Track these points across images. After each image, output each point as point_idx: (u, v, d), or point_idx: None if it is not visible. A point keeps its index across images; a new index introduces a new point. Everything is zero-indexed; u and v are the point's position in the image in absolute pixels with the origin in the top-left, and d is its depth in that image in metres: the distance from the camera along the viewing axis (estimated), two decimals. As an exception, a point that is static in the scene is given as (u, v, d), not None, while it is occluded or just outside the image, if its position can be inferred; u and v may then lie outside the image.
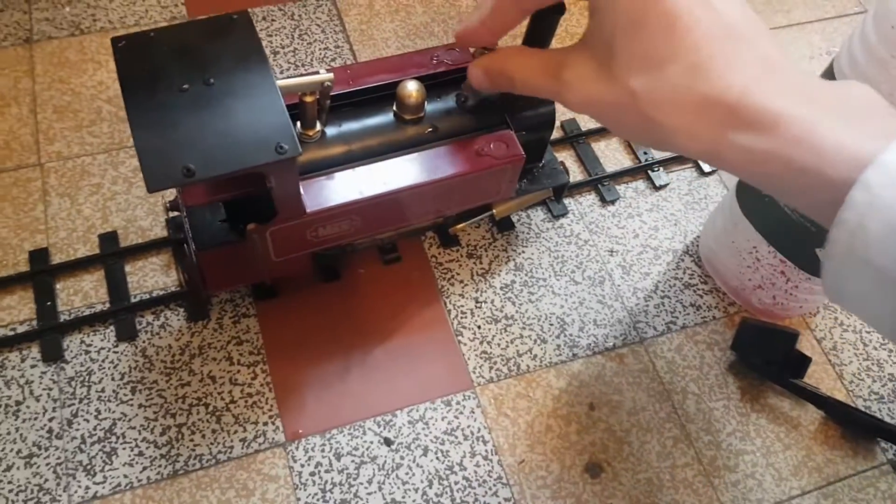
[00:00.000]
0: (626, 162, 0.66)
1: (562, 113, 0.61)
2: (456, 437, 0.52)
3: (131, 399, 0.51)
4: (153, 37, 0.42)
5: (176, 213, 0.56)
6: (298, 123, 0.47)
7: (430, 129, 0.50)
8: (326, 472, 0.50)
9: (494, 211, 0.57)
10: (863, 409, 0.57)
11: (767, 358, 0.56)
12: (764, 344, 0.56)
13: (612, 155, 0.66)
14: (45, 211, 0.57)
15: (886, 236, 0.24)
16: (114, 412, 0.50)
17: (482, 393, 0.54)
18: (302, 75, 0.44)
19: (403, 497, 0.49)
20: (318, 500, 0.49)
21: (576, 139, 0.66)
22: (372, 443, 0.51)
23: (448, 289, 0.58)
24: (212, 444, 0.50)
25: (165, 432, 0.50)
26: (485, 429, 0.52)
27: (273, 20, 0.69)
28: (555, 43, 0.46)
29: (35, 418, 0.49)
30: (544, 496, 0.50)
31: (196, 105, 0.40)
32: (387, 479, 0.50)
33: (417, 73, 0.51)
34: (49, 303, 0.53)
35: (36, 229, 0.57)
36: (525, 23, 0.43)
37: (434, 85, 0.51)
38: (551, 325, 0.57)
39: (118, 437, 0.49)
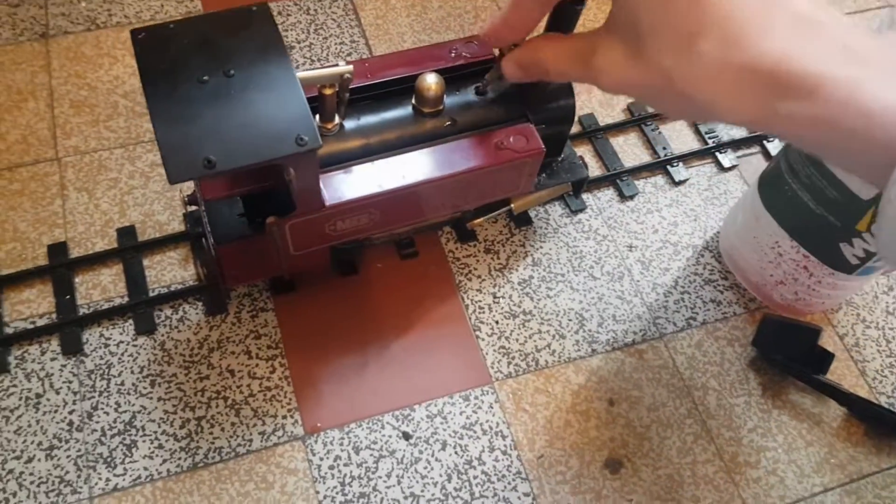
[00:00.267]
0: (644, 157, 0.66)
1: (580, 107, 0.60)
2: (474, 432, 0.51)
3: (150, 392, 0.51)
4: (173, 29, 0.42)
5: (194, 208, 0.56)
6: (317, 116, 0.47)
7: (448, 123, 0.50)
8: (345, 465, 0.49)
9: (513, 206, 0.57)
10: (886, 405, 0.56)
11: (789, 354, 0.55)
12: (786, 340, 0.55)
13: (630, 150, 0.66)
14: (63, 205, 0.58)
15: None
16: (133, 405, 0.50)
17: (500, 388, 0.53)
18: (321, 67, 0.44)
19: (422, 491, 0.49)
20: (337, 493, 0.48)
21: (594, 134, 0.66)
22: (390, 437, 0.51)
23: (465, 284, 0.57)
24: (231, 437, 0.49)
25: (185, 425, 0.50)
26: (503, 424, 0.52)
27: (289, 15, 0.69)
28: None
29: (55, 411, 0.49)
30: (564, 491, 0.50)
31: (216, 97, 0.40)
32: (405, 472, 0.50)
33: (436, 66, 0.51)
34: (68, 296, 0.53)
35: (54, 223, 0.57)
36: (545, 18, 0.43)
37: (453, 78, 0.51)
38: (570, 320, 0.57)
39: (138, 430, 0.49)
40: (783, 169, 0.52)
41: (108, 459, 0.48)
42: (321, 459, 0.49)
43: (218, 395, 0.51)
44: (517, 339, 0.55)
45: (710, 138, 0.67)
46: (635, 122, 0.67)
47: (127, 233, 0.56)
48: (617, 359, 0.55)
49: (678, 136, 0.67)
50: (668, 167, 0.65)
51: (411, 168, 0.48)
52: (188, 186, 0.56)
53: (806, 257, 0.53)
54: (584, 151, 0.65)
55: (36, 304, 0.53)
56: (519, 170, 0.51)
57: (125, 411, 0.50)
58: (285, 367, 0.52)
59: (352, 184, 0.47)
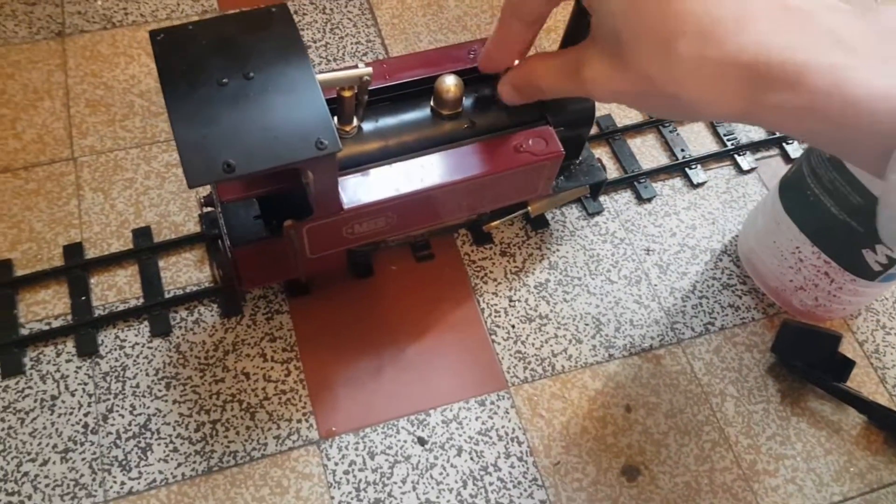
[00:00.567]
0: (662, 159, 0.65)
1: (599, 109, 0.60)
2: (490, 438, 0.51)
3: (166, 395, 0.50)
4: (192, 30, 0.42)
5: (210, 209, 0.56)
6: (335, 118, 0.47)
7: (467, 125, 0.49)
8: (360, 470, 0.49)
9: (530, 208, 0.56)
10: (907, 414, 0.55)
11: (809, 361, 0.55)
12: (805, 346, 0.55)
13: (648, 152, 0.65)
14: (79, 205, 0.57)
15: None
16: (148, 408, 0.50)
17: (516, 393, 0.53)
18: (340, 69, 0.43)
19: (438, 497, 0.49)
20: (352, 498, 0.48)
21: (612, 135, 0.65)
22: (406, 442, 0.50)
23: (481, 287, 0.57)
24: (246, 440, 0.49)
25: (200, 428, 0.49)
26: (519, 429, 0.51)
27: (304, 14, 0.69)
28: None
29: (70, 413, 0.49)
30: (580, 499, 0.50)
31: (236, 100, 0.39)
32: (421, 478, 0.49)
33: (454, 67, 0.50)
34: (84, 297, 0.53)
35: (70, 224, 0.57)
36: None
37: (471, 80, 0.50)
38: (587, 324, 0.56)
39: (153, 433, 0.49)
40: (805, 173, 0.52)
41: (123, 462, 0.48)
42: (336, 464, 0.49)
43: (233, 398, 0.51)
44: (533, 344, 0.55)
45: (728, 140, 0.66)
46: (653, 123, 0.66)
47: (143, 234, 0.56)
48: (634, 364, 0.55)
49: (696, 138, 0.67)
50: (687, 169, 0.64)
51: (429, 171, 0.48)
52: (204, 188, 0.56)
53: (827, 263, 0.53)
54: (602, 153, 0.65)
55: (51, 304, 0.53)
56: (538, 173, 0.51)
57: (140, 414, 0.50)
58: (300, 370, 0.52)
59: (370, 187, 0.47)
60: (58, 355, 0.51)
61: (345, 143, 0.47)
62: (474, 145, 0.49)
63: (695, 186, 0.64)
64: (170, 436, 0.49)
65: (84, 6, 0.68)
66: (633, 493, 0.50)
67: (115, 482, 0.47)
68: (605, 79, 0.33)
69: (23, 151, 0.60)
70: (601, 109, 0.66)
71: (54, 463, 0.48)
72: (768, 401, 0.55)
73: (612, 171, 0.63)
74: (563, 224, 0.60)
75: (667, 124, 0.66)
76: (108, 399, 0.50)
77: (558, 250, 0.59)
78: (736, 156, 0.66)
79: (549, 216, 0.60)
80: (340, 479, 0.49)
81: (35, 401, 0.50)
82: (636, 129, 0.66)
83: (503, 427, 0.51)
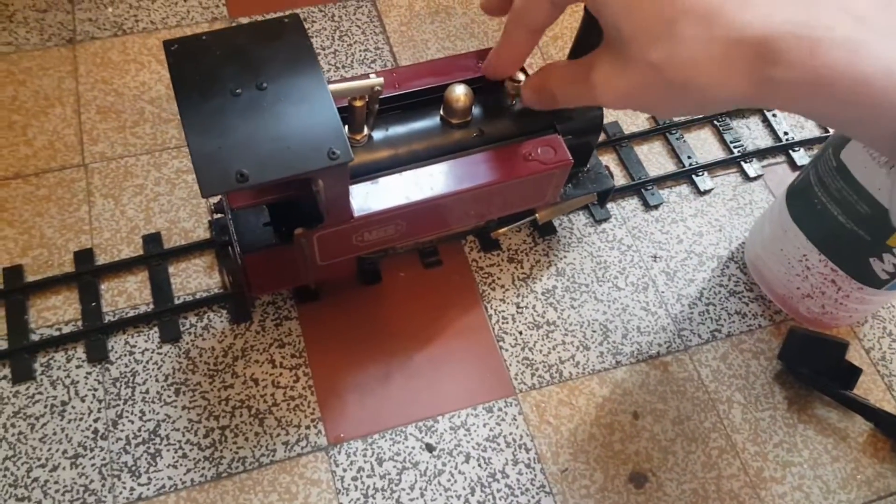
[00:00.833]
0: (669, 166, 0.65)
1: (606, 116, 0.60)
2: (498, 445, 0.51)
3: (175, 401, 0.51)
4: (205, 40, 0.42)
5: (220, 216, 0.56)
6: (346, 127, 0.47)
7: (476, 134, 0.49)
8: (368, 476, 0.49)
9: (538, 215, 0.57)
10: (914, 422, 0.56)
11: (816, 368, 0.55)
12: (812, 353, 0.55)
13: (655, 159, 0.65)
14: (90, 211, 0.58)
15: None
16: (158, 413, 0.50)
17: (524, 400, 0.53)
18: (352, 79, 0.44)
19: (446, 503, 0.49)
20: (360, 505, 0.48)
21: (619, 142, 0.65)
22: (414, 448, 0.50)
23: (489, 293, 0.57)
24: (255, 447, 0.50)
25: (209, 434, 0.50)
26: (527, 436, 0.52)
27: (313, 21, 0.69)
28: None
29: (80, 419, 0.50)
30: (588, 506, 0.50)
31: (249, 110, 0.40)
32: (429, 485, 0.49)
33: (464, 76, 0.51)
34: (94, 303, 0.53)
35: (80, 230, 0.57)
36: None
37: (480, 88, 0.50)
38: (594, 331, 0.56)
39: (162, 439, 0.49)
40: (812, 181, 0.52)
41: (133, 468, 0.48)
42: (344, 471, 0.49)
43: (242, 404, 0.51)
44: (541, 350, 0.55)
45: (735, 147, 0.66)
46: (660, 130, 0.67)
47: (153, 240, 0.56)
48: (641, 371, 0.55)
49: (703, 145, 0.67)
50: (693, 176, 0.65)
51: (439, 179, 0.48)
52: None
53: (834, 271, 0.53)
54: (609, 160, 0.65)
55: (62, 310, 0.53)
56: (546, 181, 0.51)
57: (150, 420, 0.50)
58: (309, 376, 0.52)
59: (380, 195, 0.47)
60: (68, 361, 0.52)
61: (355, 151, 0.48)
62: (483, 154, 0.49)
63: (702, 193, 0.64)
64: (179, 441, 0.49)
65: (95, 13, 0.69)
66: (640, 500, 0.50)
67: (124, 488, 0.48)
68: (613, 80, 0.33)
69: (34, 158, 0.60)
70: (608, 117, 0.66)
71: (64, 468, 0.48)
72: (775, 408, 0.55)
73: (619, 178, 0.64)
74: (571, 231, 0.61)
75: (674, 131, 0.67)
76: (118, 405, 0.50)
77: (566, 257, 0.59)
78: (742, 163, 0.66)
79: (556, 223, 0.61)
80: (349, 485, 0.49)
81: (45, 406, 0.50)
82: (643, 137, 0.66)
83: (511, 434, 0.52)
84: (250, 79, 0.41)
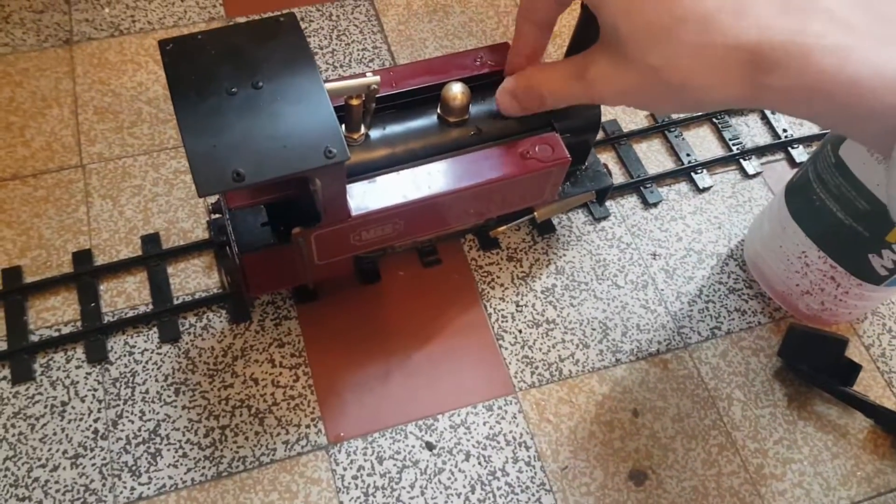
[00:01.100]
0: (668, 164, 0.65)
1: (603, 113, 0.60)
2: (498, 443, 0.51)
3: (175, 400, 0.51)
4: (201, 39, 0.42)
5: (218, 216, 0.56)
6: (343, 126, 0.47)
7: (474, 132, 0.49)
8: (369, 475, 0.49)
9: (536, 214, 0.57)
10: (914, 418, 0.55)
11: (816, 365, 0.55)
12: (812, 350, 0.55)
13: (654, 156, 0.65)
14: (88, 212, 0.58)
15: None
16: (158, 413, 0.50)
17: (524, 398, 0.53)
18: (348, 78, 0.44)
19: (446, 502, 0.49)
20: (360, 503, 0.48)
21: (617, 140, 0.65)
22: (414, 447, 0.50)
23: (488, 292, 0.57)
24: (255, 446, 0.50)
25: (209, 434, 0.50)
26: (527, 434, 0.52)
27: (311, 21, 0.69)
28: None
29: (80, 419, 0.50)
30: (588, 503, 0.50)
31: (245, 109, 0.40)
32: (429, 483, 0.49)
33: (461, 74, 0.50)
34: (93, 304, 0.53)
35: (79, 230, 0.57)
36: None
37: (478, 87, 0.50)
38: (593, 329, 0.56)
39: (162, 439, 0.49)
40: (811, 178, 0.52)
41: (133, 468, 0.48)
42: (345, 469, 0.49)
43: (242, 403, 0.51)
44: (540, 349, 0.55)
45: (734, 145, 0.66)
46: (659, 128, 0.67)
47: (151, 240, 0.56)
48: (641, 369, 0.55)
49: (701, 143, 0.67)
50: (692, 174, 0.64)
51: (437, 178, 0.48)
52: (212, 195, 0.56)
53: (833, 268, 0.53)
54: (608, 158, 0.65)
55: (61, 311, 0.53)
56: (544, 179, 0.51)
57: (150, 420, 0.50)
58: (308, 375, 0.52)
59: (377, 194, 0.47)
60: (67, 361, 0.52)
61: (352, 150, 0.47)
62: (481, 152, 0.49)
63: (700, 191, 0.64)
64: (179, 441, 0.49)
65: (92, 14, 0.69)
66: (640, 498, 0.50)
67: (125, 487, 0.48)
68: (610, 77, 0.34)
69: (31, 159, 0.60)
70: (606, 115, 0.66)
71: (65, 468, 0.48)
72: (775, 405, 0.55)
73: (618, 176, 0.64)
74: (570, 229, 0.61)
75: (672, 129, 0.67)
76: (118, 405, 0.50)
77: (565, 255, 0.59)
78: (741, 160, 0.66)
79: (555, 221, 0.61)
80: (349, 483, 0.49)
81: (45, 407, 0.50)
82: (642, 134, 0.66)
83: (511, 432, 0.52)
84: (246, 78, 0.41)
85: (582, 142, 0.54)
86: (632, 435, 0.52)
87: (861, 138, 0.28)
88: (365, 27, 0.70)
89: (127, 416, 0.50)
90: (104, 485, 0.48)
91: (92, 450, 0.49)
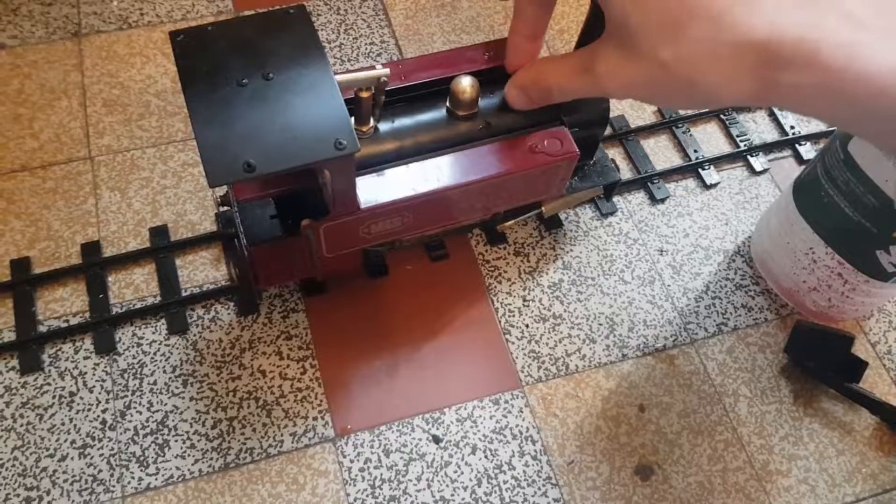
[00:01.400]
0: (675, 160, 0.65)
1: (612, 109, 0.60)
2: (504, 437, 0.51)
3: (183, 392, 0.51)
4: (211, 31, 0.42)
5: (226, 208, 0.56)
6: (352, 119, 0.47)
7: (482, 126, 0.49)
8: (375, 468, 0.49)
9: (544, 208, 0.57)
10: (920, 415, 0.55)
11: (822, 361, 0.55)
12: (819, 347, 0.55)
13: (661, 152, 0.65)
14: (96, 204, 0.58)
15: None
16: (166, 405, 0.50)
17: (530, 392, 0.53)
18: (357, 70, 0.44)
19: (452, 495, 0.49)
20: (367, 495, 0.48)
21: (625, 136, 0.65)
22: (420, 440, 0.51)
23: (495, 287, 0.57)
24: (262, 437, 0.50)
25: (216, 425, 0.50)
26: (533, 428, 0.52)
27: (319, 14, 0.69)
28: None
29: (89, 409, 0.50)
30: (594, 498, 0.50)
31: (255, 100, 0.40)
32: (435, 476, 0.50)
33: (470, 68, 0.50)
34: (101, 295, 0.54)
35: (87, 222, 0.57)
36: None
37: (487, 80, 0.50)
38: (600, 324, 0.56)
39: (170, 430, 0.49)
40: (819, 174, 0.52)
41: (141, 459, 0.49)
42: (351, 462, 0.50)
43: (249, 395, 0.51)
44: (547, 343, 0.55)
45: (741, 141, 0.66)
46: (666, 124, 0.66)
47: (159, 232, 0.56)
48: (647, 364, 0.55)
49: (709, 139, 0.67)
50: (700, 170, 0.64)
51: (445, 171, 0.48)
52: (220, 187, 0.57)
53: (841, 264, 0.53)
54: (615, 153, 0.65)
55: (69, 302, 0.54)
56: (552, 173, 0.51)
57: (157, 411, 0.50)
58: (316, 368, 0.53)
59: (386, 187, 0.47)
60: (76, 352, 0.52)
61: (362, 143, 0.47)
62: (490, 146, 0.49)
63: (708, 187, 0.64)
64: (187, 432, 0.49)
65: (100, 7, 0.69)
66: (646, 493, 0.50)
67: (132, 478, 0.48)
68: (619, 70, 0.33)
69: (40, 150, 0.60)
70: (614, 110, 0.66)
71: (72, 459, 0.48)
72: (781, 401, 0.55)
73: (626, 172, 0.64)
74: (577, 224, 0.61)
75: (680, 125, 0.67)
76: (126, 396, 0.50)
77: (572, 250, 0.59)
78: (749, 157, 0.66)
79: (562, 216, 0.61)
80: (356, 476, 0.49)
81: (53, 397, 0.50)
82: (649, 130, 0.66)
83: (517, 426, 0.52)
84: (256, 69, 0.41)
85: (590, 136, 0.54)
86: (638, 430, 0.52)
87: (870, 136, 0.28)
88: (373, 21, 0.70)
89: (135, 407, 0.50)
90: (112, 475, 0.48)
91: (100, 440, 0.49)
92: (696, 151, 0.65)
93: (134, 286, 0.55)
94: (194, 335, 0.53)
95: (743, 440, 0.53)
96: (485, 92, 0.50)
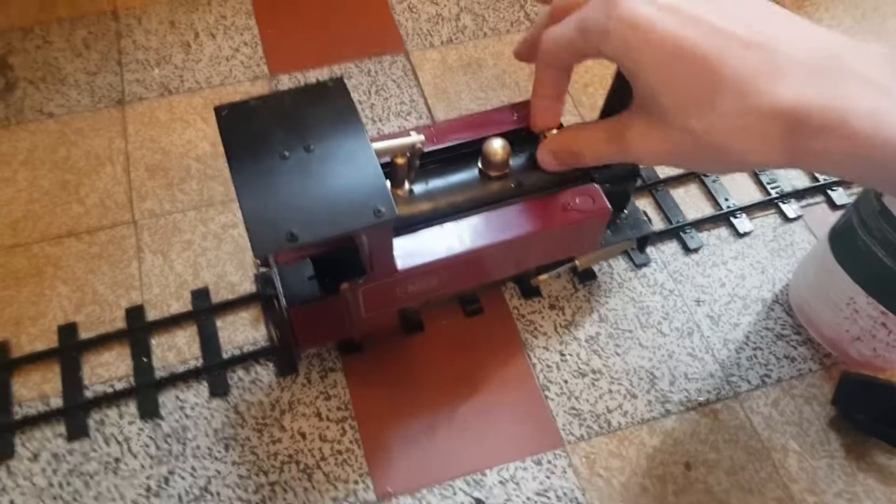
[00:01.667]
0: (707, 209, 0.65)
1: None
2: (549, 499, 0.50)
3: (225, 456, 0.51)
4: (253, 105, 0.44)
5: (265, 269, 0.58)
6: (388, 182, 0.48)
7: (514, 185, 0.50)
8: (417, 532, 0.49)
9: (577, 261, 0.57)
10: (979, 468, 0.53)
11: (872, 414, 0.53)
12: (868, 399, 0.53)
13: (692, 202, 0.65)
14: (140, 268, 0.60)
15: None
16: (208, 469, 0.51)
17: (573, 451, 0.52)
18: (393, 137, 0.45)
19: (496, 559, 0.48)
20: (409, 561, 0.48)
21: (654, 186, 0.65)
22: (463, 503, 0.50)
23: (532, 341, 0.57)
24: (304, 502, 0.50)
25: (259, 490, 0.50)
26: (578, 490, 0.51)
27: (350, 76, 0.71)
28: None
29: (133, 475, 0.50)
30: (641, 560, 0.49)
31: (297, 171, 0.41)
32: (478, 540, 0.49)
33: (500, 129, 0.51)
34: (145, 359, 0.55)
35: (131, 286, 0.59)
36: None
37: (516, 140, 0.51)
38: (640, 378, 0.56)
39: (213, 496, 0.50)
40: (855, 223, 0.51)
41: (185, 524, 0.49)
42: (393, 525, 0.49)
43: (290, 458, 0.51)
44: (587, 400, 0.54)
45: (772, 188, 0.66)
46: (695, 173, 0.67)
47: (201, 294, 0.58)
48: (691, 419, 0.54)
49: (739, 187, 0.66)
50: (731, 218, 0.64)
51: (480, 231, 0.48)
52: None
53: (884, 314, 0.52)
54: (645, 204, 0.65)
55: (115, 367, 0.55)
56: (585, 230, 0.51)
57: (201, 476, 0.50)
58: (355, 429, 0.53)
59: (423, 248, 0.47)
60: (121, 417, 0.53)
61: (398, 205, 0.48)
62: (522, 205, 0.50)
63: (741, 235, 0.63)
64: (230, 498, 0.50)
65: (142, 74, 0.72)
66: (695, 555, 0.49)
67: (176, 544, 0.48)
68: (649, 140, 0.35)
69: (86, 216, 0.62)
70: (643, 160, 0.67)
71: (117, 525, 0.49)
72: (832, 456, 0.53)
73: (657, 222, 0.64)
74: (611, 276, 0.61)
75: (708, 174, 0.67)
76: (170, 461, 0.51)
77: (607, 302, 0.59)
78: (781, 204, 0.65)
79: (596, 268, 0.61)
80: (397, 540, 0.49)
81: (99, 464, 0.51)
82: (678, 180, 0.66)
83: (561, 487, 0.51)
84: (298, 141, 0.42)
85: (621, 191, 0.54)
86: (685, 489, 0.51)
87: None
88: (402, 82, 0.71)
89: (178, 473, 0.50)
90: (155, 541, 0.48)
91: (144, 506, 0.49)
92: (726, 200, 0.65)
93: (176, 349, 0.56)
94: (235, 397, 0.54)
95: (795, 498, 0.51)
96: (515, 151, 0.50)
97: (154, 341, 0.56)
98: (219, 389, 0.53)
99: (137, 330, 0.56)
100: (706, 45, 0.29)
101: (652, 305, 0.59)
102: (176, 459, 0.51)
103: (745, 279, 0.61)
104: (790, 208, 0.65)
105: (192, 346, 0.56)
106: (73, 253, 0.60)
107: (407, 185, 0.48)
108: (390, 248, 0.46)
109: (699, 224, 0.64)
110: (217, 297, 0.58)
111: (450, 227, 0.49)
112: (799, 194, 0.66)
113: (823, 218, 0.65)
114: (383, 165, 0.45)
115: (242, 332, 0.56)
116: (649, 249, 0.62)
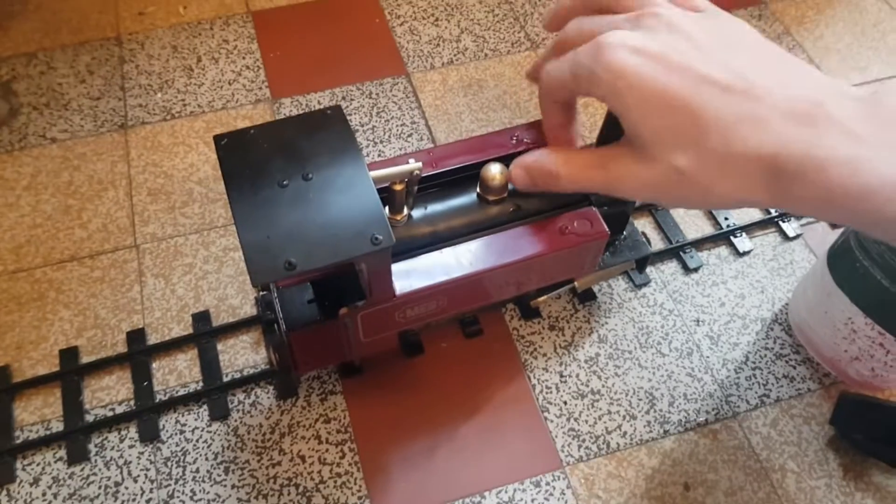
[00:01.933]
0: (706, 228, 0.65)
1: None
2: (547, 520, 0.50)
3: (224, 479, 0.51)
4: (253, 133, 0.44)
5: (265, 292, 0.58)
6: (387, 208, 0.48)
7: (513, 209, 0.51)
8: (417, 555, 0.49)
9: (577, 283, 0.57)
10: (981, 489, 0.53)
11: (870, 434, 0.53)
12: (866, 418, 0.53)
13: (692, 221, 0.65)
14: (141, 291, 0.60)
15: None
16: (208, 493, 0.51)
17: (572, 473, 0.52)
18: (391, 163, 0.45)
19: (496, 583, 0.48)
20: (409, 585, 0.48)
21: (654, 206, 0.66)
22: (461, 525, 0.50)
23: (531, 362, 0.57)
24: (303, 526, 0.50)
25: (258, 514, 0.50)
26: (576, 511, 0.51)
27: (352, 99, 0.72)
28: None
29: (133, 500, 0.51)
30: (641, 584, 0.48)
31: (295, 200, 0.42)
32: (477, 563, 0.49)
33: (498, 153, 0.52)
34: (146, 383, 0.55)
35: (133, 310, 0.59)
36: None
37: (515, 164, 0.52)
38: (640, 399, 0.56)
39: (213, 519, 0.50)
40: (853, 244, 0.52)
41: (185, 548, 0.49)
42: (393, 549, 0.49)
43: (290, 481, 0.51)
44: (587, 421, 0.55)
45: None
46: (694, 192, 0.67)
47: (202, 318, 0.58)
48: (690, 440, 0.54)
49: (739, 206, 0.67)
50: (731, 238, 0.64)
51: (478, 255, 0.49)
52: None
53: (882, 335, 0.52)
54: (645, 224, 0.65)
55: (115, 390, 0.55)
56: (583, 253, 0.51)
57: (200, 499, 0.51)
58: (355, 451, 0.53)
59: (421, 272, 0.48)
60: (121, 441, 0.53)
61: (396, 231, 0.49)
62: (520, 229, 0.50)
63: (741, 255, 0.64)
64: (229, 522, 0.50)
65: (145, 99, 0.73)
66: (695, 578, 0.49)
67: (176, 569, 0.48)
68: (633, 173, 0.35)
69: (88, 240, 0.63)
70: (641, 180, 0.67)
71: (118, 550, 0.49)
72: (830, 475, 0.53)
73: (657, 242, 0.64)
74: (611, 296, 0.61)
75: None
76: (170, 485, 0.51)
77: (607, 323, 0.59)
78: (780, 222, 0.66)
79: (595, 289, 0.61)
80: (397, 564, 0.49)
81: (100, 487, 0.51)
82: (677, 199, 0.66)
83: (559, 509, 0.51)
84: (297, 170, 0.42)
85: (620, 213, 0.54)
86: (684, 510, 0.51)
87: (880, 237, 0.30)
88: (403, 104, 0.72)
89: (178, 497, 0.51)
90: (156, 566, 0.48)
91: (144, 530, 0.50)
92: (726, 219, 0.65)
93: (177, 372, 0.56)
94: (235, 420, 0.54)
95: (794, 519, 0.51)
96: (514, 176, 0.51)
97: (155, 365, 0.56)
98: (219, 413, 0.54)
99: (138, 353, 0.56)
100: (689, 92, 0.30)
101: (651, 325, 0.59)
102: (176, 483, 0.51)
103: (744, 298, 0.61)
104: (790, 227, 0.65)
105: (192, 369, 0.56)
106: (75, 277, 0.61)
107: (405, 211, 0.49)
108: (389, 273, 0.46)
109: (699, 243, 0.64)
110: (218, 320, 0.58)
111: (448, 251, 0.49)
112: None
113: (823, 236, 0.65)
114: (382, 191, 0.46)
115: (243, 355, 0.57)
116: (649, 269, 0.62)
